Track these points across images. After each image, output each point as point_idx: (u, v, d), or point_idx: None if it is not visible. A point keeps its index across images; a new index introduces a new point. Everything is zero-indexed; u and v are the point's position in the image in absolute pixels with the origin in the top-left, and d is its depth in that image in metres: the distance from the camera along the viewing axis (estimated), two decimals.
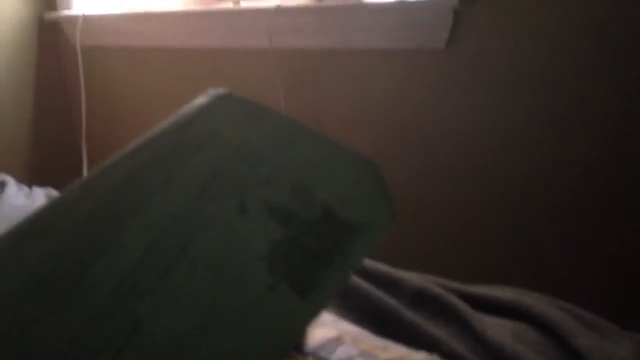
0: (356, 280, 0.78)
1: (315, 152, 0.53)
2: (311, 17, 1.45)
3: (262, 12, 1.46)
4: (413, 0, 1.31)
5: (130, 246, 0.43)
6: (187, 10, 1.64)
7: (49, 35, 1.91)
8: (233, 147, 0.53)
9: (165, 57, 1.75)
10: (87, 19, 1.77)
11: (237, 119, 0.56)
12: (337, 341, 0.64)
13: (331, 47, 1.47)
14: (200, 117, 0.57)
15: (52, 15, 1.86)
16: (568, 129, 1.27)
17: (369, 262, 0.83)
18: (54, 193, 1.16)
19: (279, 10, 1.42)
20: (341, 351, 0.62)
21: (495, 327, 0.70)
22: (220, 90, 0.58)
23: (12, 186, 1.14)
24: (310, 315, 0.41)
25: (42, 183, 1.37)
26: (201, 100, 0.58)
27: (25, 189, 1.16)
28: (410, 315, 0.72)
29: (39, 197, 1.11)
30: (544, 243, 1.36)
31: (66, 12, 1.84)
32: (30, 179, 1.76)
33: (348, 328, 0.67)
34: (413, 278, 0.80)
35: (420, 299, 0.77)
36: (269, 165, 0.50)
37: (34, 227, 0.45)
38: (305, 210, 0.47)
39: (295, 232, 0.46)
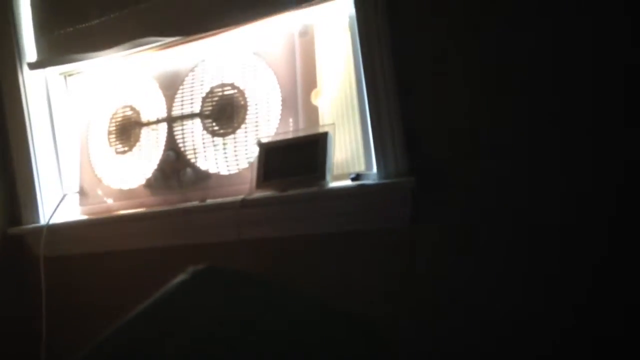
0: None
1: (306, 316, 0.51)
2: (276, 208, 1.49)
3: (228, 205, 1.50)
4: (372, 183, 1.37)
5: None
6: (150, 211, 1.66)
7: (12, 248, 1.89)
8: (213, 323, 0.51)
9: (130, 259, 1.73)
10: (50, 229, 1.77)
11: (218, 292, 0.54)
12: None
13: (297, 234, 1.50)
14: (177, 297, 0.55)
15: (15, 230, 1.85)
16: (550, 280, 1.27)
17: None
18: None
19: (245, 203, 1.46)
20: None
21: None
22: (200, 266, 0.57)
23: None
24: None
25: None
26: (180, 278, 0.57)
27: None
28: None
29: None
30: None
31: (31, 226, 1.84)
32: None
33: None
34: None
35: None
36: (258, 335, 0.48)
37: None
38: None
39: None
